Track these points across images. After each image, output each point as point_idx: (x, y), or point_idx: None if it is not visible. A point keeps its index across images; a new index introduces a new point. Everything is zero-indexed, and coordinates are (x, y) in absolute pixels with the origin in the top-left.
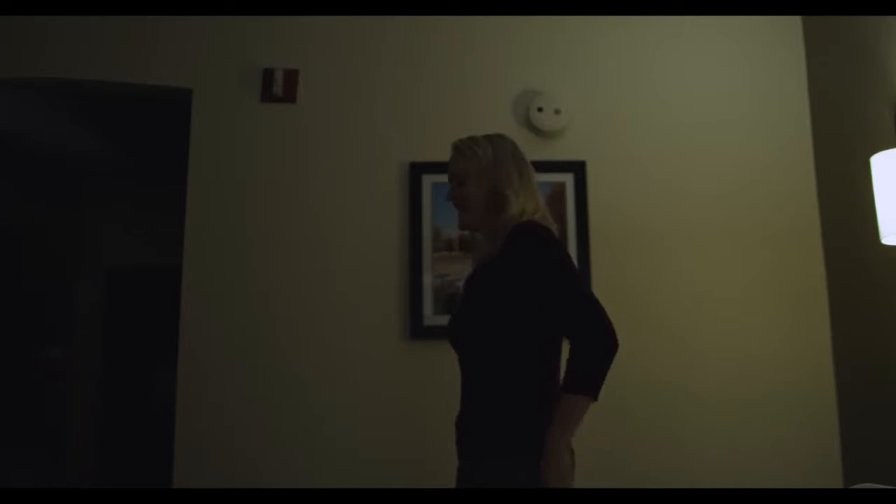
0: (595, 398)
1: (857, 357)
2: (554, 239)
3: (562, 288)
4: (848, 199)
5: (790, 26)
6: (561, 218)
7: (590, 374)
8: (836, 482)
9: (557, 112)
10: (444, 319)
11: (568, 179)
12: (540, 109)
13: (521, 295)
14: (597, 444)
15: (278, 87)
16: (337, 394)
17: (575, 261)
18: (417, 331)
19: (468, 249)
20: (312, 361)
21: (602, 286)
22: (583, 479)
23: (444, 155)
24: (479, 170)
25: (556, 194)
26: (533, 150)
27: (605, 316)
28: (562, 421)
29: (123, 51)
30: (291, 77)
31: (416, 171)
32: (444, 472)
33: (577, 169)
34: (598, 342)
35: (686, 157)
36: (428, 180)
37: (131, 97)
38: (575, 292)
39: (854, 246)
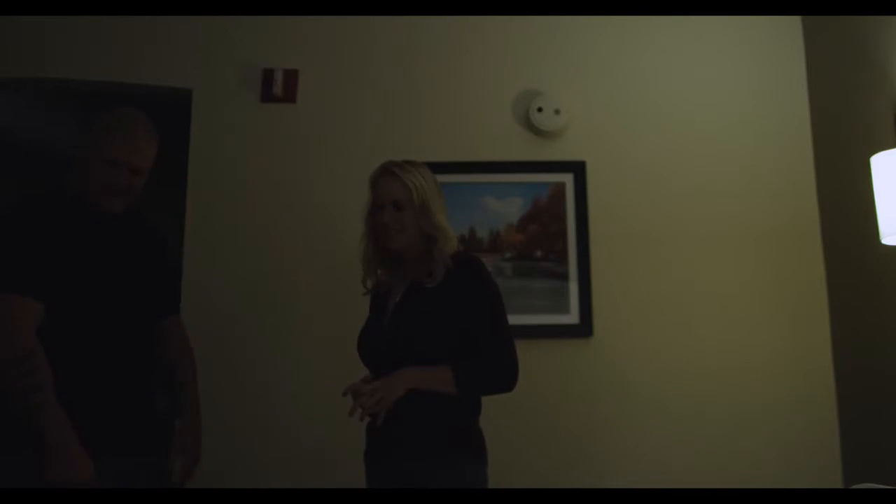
0: (456, 393)
1: (857, 357)
2: (489, 273)
3: (492, 323)
4: (848, 199)
5: (790, 26)
6: (561, 218)
7: (477, 382)
8: (836, 482)
9: (557, 112)
10: None
11: (568, 179)
12: (540, 109)
13: (459, 321)
14: (596, 445)
15: (278, 87)
16: (337, 394)
17: (575, 261)
18: None
19: (391, 267)
20: (312, 361)
21: (601, 286)
22: (582, 480)
23: (445, 155)
24: (418, 198)
25: (556, 194)
26: (533, 150)
27: (516, 363)
28: (427, 374)
29: (123, 51)
30: (291, 77)
31: None
32: None
33: (577, 169)
34: (503, 374)
35: (686, 157)
36: None
37: (131, 97)
38: (501, 327)
39: (854, 246)
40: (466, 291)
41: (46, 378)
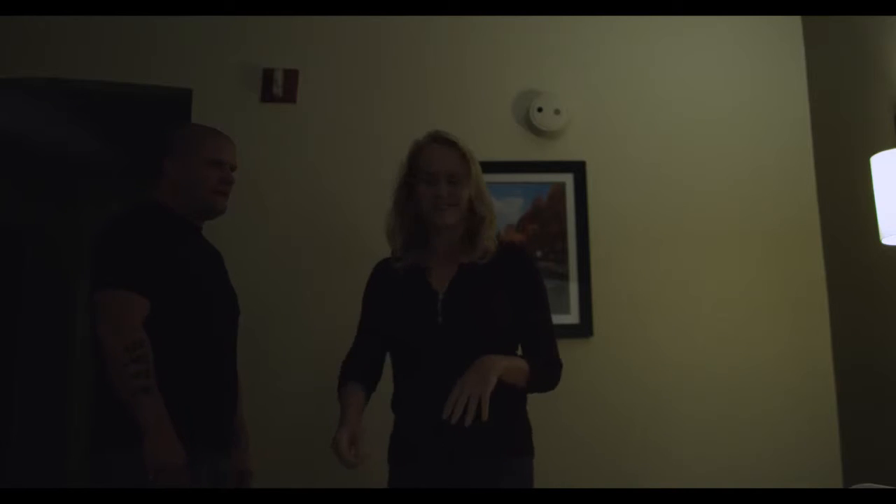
0: (524, 387)
1: (857, 357)
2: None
3: (547, 318)
4: (848, 199)
5: (790, 26)
6: (561, 218)
7: (543, 379)
8: (836, 482)
9: (557, 112)
10: None
11: (568, 179)
12: (540, 109)
13: (512, 308)
14: (596, 445)
15: (278, 87)
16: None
17: (575, 261)
18: None
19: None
20: (311, 361)
21: (601, 286)
22: (581, 481)
23: None
24: (473, 175)
25: (556, 194)
26: (533, 150)
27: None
28: (511, 364)
29: (123, 51)
30: (291, 77)
31: None
32: None
33: (577, 169)
34: (557, 373)
35: (686, 157)
36: None
37: (131, 97)
38: (551, 324)
39: (854, 246)
40: (522, 279)
41: (151, 367)
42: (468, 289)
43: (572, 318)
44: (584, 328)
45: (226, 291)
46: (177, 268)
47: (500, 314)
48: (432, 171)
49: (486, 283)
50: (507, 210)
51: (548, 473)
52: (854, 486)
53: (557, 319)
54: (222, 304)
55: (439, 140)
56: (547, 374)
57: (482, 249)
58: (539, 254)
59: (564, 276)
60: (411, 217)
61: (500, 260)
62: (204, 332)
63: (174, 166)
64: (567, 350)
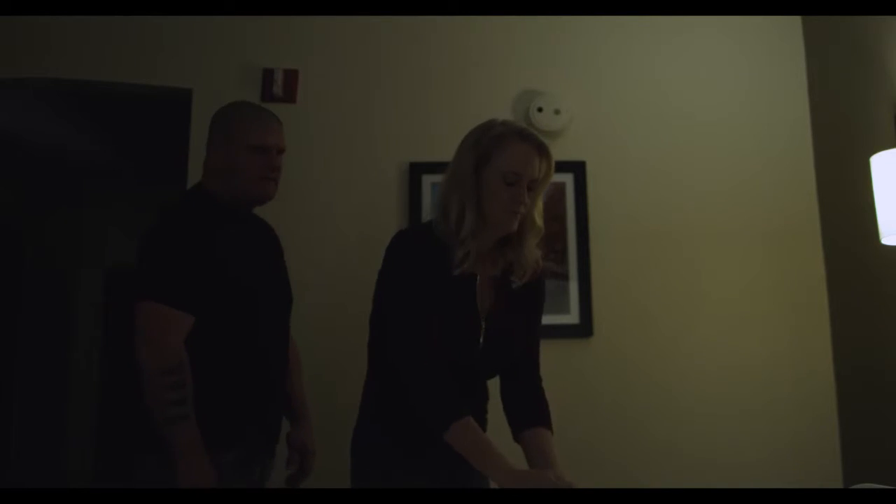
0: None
1: (857, 357)
2: None
3: (539, 340)
4: (848, 199)
5: (790, 26)
6: (561, 218)
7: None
8: (836, 482)
9: (557, 112)
10: None
11: (568, 179)
12: (540, 109)
13: (529, 329)
14: (596, 445)
15: (278, 87)
16: (336, 395)
17: (575, 261)
18: None
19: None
20: (310, 361)
21: (602, 286)
22: (580, 481)
23: (445, 155)
24: (547, 186)
25: (556, 194)
26: None
27: None
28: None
29: (124, 51)
30: (291, 77)
31: (416, 171)
32: None
33: (577, 169)
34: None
35: (686, 157)
36: (428, 180)
37: (131, 97)
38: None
39: (854, 246)
40: (539, 303)
41: (189, 393)
42: (507, 314)
43: (572, 318)
44: (584, 328)
45: (275, 281)
46: (221, 272)
47: (523, 337)
48: (518, 172)
49: (519, 308)
50: None
51: None
52: (854, 486)
53: (557, 319)
54: (270, 297)
55: (531, 140)
56: (544, 401)
57: (507, 262)
58: (539, 254)
59: (564, 276)
60: (473, 205)
61: (538, 283)
62: (247, 333)
63: (216, 155)
64: (567, 350)
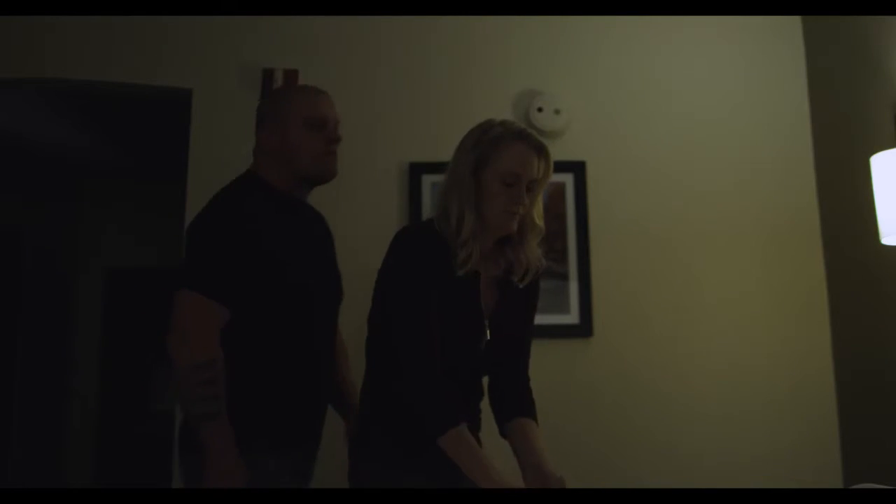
0: None
1: (857, 357)
2: None
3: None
4: (848, 198)
5: (790, 26)
6: (561, 218)
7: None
8: (836, 482)
9: (557, 112)
10: None
11: (568, 179)
12: (540, 109)
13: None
14: (595, 445)
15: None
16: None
17: (575, 261)
18: None
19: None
20: None
21: (602, 286)
22: (580, 481)
23: (445, 155)
24: (546, 187)
25: (556, 194)
26: None
27: None
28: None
29: (124, 51)
30: (291, 77)
31: (416, 171)
32: None
33: (577, 169)
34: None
35: (686, 157)
36: (428, 180)
37: (131, 97)
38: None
39: (854, 246)
40: (533, 300)
41: (221, 390)
42: (509, 313)
43: (572, 318)
44: (584, 328)
45: (324, 276)
46: (267, 265)
47: (522, 335)
48: (517, 173)
49: (520, 307)
50: None
51: None
52: (854, 486)
53: (557, 319)
54: (317, 291)
55: (529, 140)
56: (531, 396)
57: (505, 264)
58: (540, 253)
59: (564, 276)
60: (473, 206)
61: (533, 282)
62: (293, 330)
63: (268, 138)
64: (567, 350)
